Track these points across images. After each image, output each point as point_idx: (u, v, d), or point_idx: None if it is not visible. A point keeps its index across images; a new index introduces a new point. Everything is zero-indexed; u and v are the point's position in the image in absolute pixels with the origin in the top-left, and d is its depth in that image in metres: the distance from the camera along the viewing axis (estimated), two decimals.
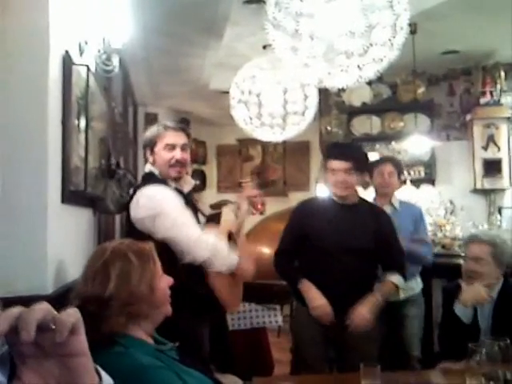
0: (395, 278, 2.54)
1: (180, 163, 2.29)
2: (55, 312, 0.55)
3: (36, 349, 0.55)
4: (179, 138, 2.33)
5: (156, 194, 2.18)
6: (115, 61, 2.55)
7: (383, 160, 3.39)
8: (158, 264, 1.46)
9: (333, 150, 2.74)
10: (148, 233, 2.08)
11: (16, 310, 0.54)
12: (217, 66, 5.04)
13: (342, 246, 2.46)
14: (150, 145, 2.32)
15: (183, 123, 7.86)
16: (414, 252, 2.98)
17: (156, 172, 2.31)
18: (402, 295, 3.00)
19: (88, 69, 2.21)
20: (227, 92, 4.27)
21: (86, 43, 2.36)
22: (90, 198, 2.52)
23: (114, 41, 2.54)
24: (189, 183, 2.41)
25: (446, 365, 2.01)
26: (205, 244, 2.10)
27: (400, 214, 3.13)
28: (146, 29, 3.88)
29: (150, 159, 2.33)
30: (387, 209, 3.13)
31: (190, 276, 2.08)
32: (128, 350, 1.28)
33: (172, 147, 2.29)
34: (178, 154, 2.29)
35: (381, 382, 1.66)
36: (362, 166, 2.58)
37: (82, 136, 2.22)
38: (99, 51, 2.51)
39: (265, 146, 7.66)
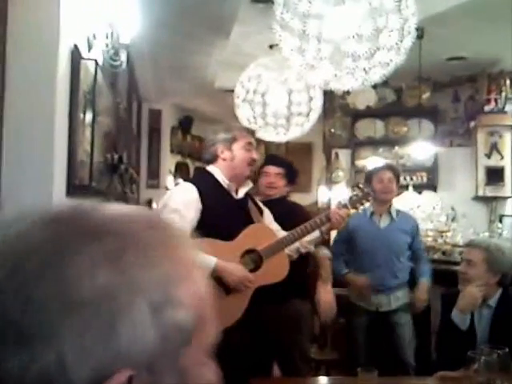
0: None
1: (254, 163, 2.47)
2: None
3: None
4: (254, 141, 2.49)
5: (176, 189, 2.26)
6: (123, 56, 2.56)
7: (382, 167, 3.42)
8: None
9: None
10: None
11: None
12: (222, 64, 5.04)
13: None
14: (229, 142, 2.41)
15: (187, 121, 7.91)
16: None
17: (215, 171, 2.40)
18: (394, 305, 3.17)
19: (96, 63, 2.21)
20: (232, 90, 4.27)
21: (95, 37, 2.36)
22: (94, 192, 2.53)
23: (122, 36, 2.55)
24: (246, 185, 2.50)
25: (443, 373, 2.01)
26: None
27: (397, 225, 3.24)
28: (154, 24, 3.88)
29: (224, 155, 2.41)
30: (385, 218, 3.26)
31: None
32: None
33: (251, 147, 2.43)
34: (254, 154, 2.44)
35: None
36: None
37: (88, 130, 2.23)
38: (107, 46, 2.52)
39: (267, 146, 7.65)
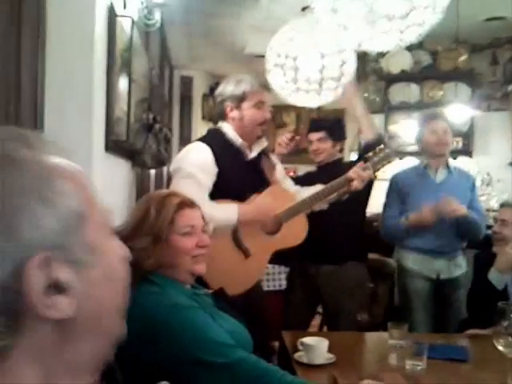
0: None
1: (266, 122, 2.31)
2: None
3: None
4: (267, 97, 2.34)
5: (190, 150, 2.19)
6: (157, 15, 2.54)
7: (435, 116, 3.02)
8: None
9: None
10: None
11: None
12: (253, 28, 4.98)
13: None
14: (238, 100, 2.27)
15: (217, 87, 7.86)
16: (476, 223, 2.79)
17: (227, 129, 2.27)
18: (455, 272, 2.86)
19: (132, 21, 2.22)
20: (263, 56, 4.23)
21: None
22: (130, 150, 2.55)
23: None
24: (261, 144, 2.38)
25: (474, 331, 2.02)
26: None
27: (455, 180, 2.92)
28: None
29: (233, 114, 2.27)
30: (442, 173, 2.93)
31: None
32: (164, 289, 1.33)
33: (263, 105, 2.28)
34: (266, 112, 2.29)
35: (408, 341, 1.69)
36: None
37: (125, 88, 2.24)
38: (142, 3, 2.50)
39: (299, 112, 7.59)
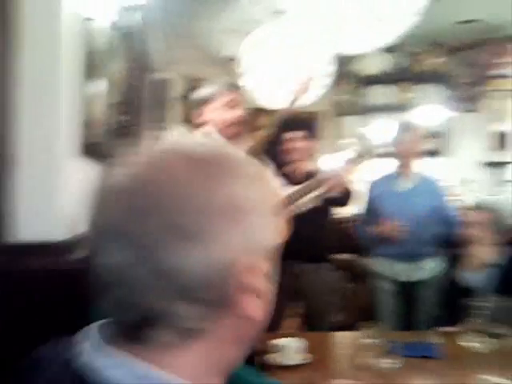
0: None
1: (236, 122, 2.24)
2: None
3: None
4: (239, 97, 2.28)
5: None
6: (134, 17, 2.50)
7: (405, 125, 3.19)
8: None
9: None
10: None
11: None
12: (229, 31, 5.00)
13: None
14: (208, 102, 2.22)
15: (194, 90, 7.86)
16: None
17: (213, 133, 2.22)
18: (421, 275, 2.98)
19: (108, 23, 2.18)
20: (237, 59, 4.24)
21: None
22: (104, 153, 2.52)
23: None
24: (238, 145, 2.32)
25: (446, 328, 2.06)
26: None
27: (424, 186, 3.07)
28: None
29: (206, 116, 2.23)
30: (411, 180, 3.05)
31: None
32: None
33: (234, 105, 2.22)
34: (234, 112, 2.22)
35: (381, 340, 1.71)
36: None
37: (101, 91, 2.20)
38: (119, 5, 2.47)
39: (272, 115, 7.59)
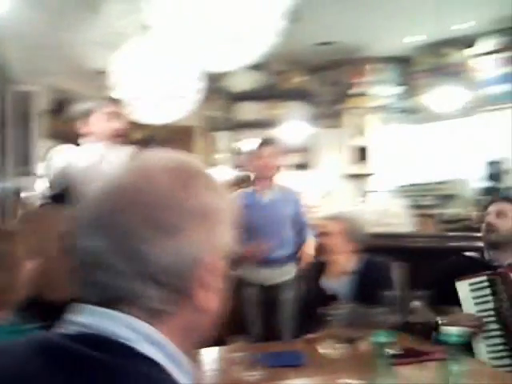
0: None
1: (119, 133, 2.32)
2: None
3: None
4: (116, 110, 2.35)
5: None
6: None
7: (264, 141, 3.32)
8: None
9: None
10: None
11: None
12: (93, 43, 4.85)
13: None
14: (86, 115, 2.27)
15: (63, 104, 7.49)
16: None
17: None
18: (280, 279, 3.16)
19: None
20: (104, 72, 4.13)
21: None
22: None
23: None
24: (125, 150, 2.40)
25: (309, 335, 2.15)
26: None
27: (281, 198, 3.24)
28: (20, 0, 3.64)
29: (85, 130, 2.27)
30: (268, 193, 3.21)
31: None
32: None
33: (112, 117, 2.29)
34: (117, 124, 2.30)
35: (250, 352, 1.75)
36: None
37: None
38: None
39: (146, 129, 7.49)
